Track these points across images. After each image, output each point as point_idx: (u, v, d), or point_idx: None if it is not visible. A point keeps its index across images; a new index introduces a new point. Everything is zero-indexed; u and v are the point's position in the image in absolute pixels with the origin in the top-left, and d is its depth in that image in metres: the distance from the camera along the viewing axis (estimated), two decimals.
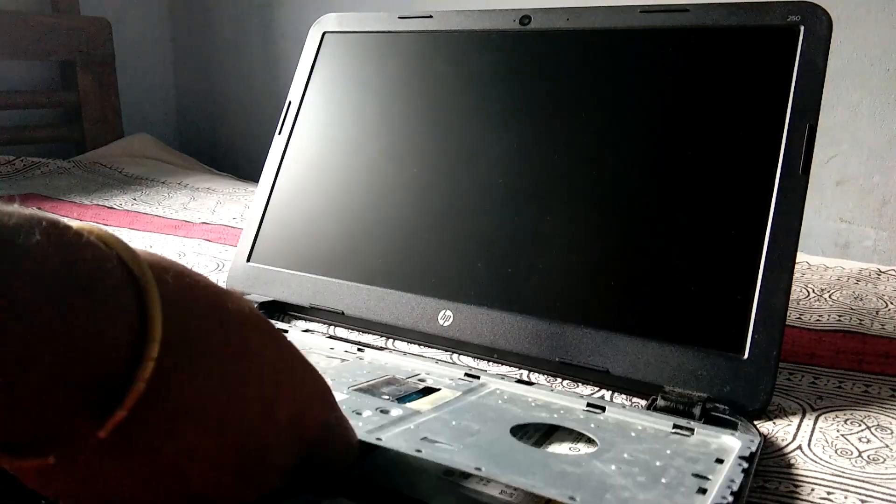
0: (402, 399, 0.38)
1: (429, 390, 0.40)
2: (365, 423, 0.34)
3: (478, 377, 0.44)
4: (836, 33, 0.45)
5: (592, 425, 0.37)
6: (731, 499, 0.29)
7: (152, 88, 1.63)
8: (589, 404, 0.40)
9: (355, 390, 0.39)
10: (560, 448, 0.34)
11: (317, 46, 0.64)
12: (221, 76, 1.58)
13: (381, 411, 0.35)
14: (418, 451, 0.30)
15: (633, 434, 0.36)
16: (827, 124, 0.90)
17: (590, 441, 0.35)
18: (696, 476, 0.31)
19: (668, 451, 0.34)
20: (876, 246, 0.92)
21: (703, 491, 0.30)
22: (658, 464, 0.32)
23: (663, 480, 0.30)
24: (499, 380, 0.43)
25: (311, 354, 0.47)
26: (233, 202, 1.07)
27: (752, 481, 0.33)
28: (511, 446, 0.33)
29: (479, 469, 0.29)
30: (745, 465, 0.32)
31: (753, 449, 0.35)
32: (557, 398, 0.41)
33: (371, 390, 0.39)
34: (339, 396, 0.37)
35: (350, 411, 0.35)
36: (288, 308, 0.57)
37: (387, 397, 0.38)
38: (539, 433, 0.36)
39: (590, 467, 0.31)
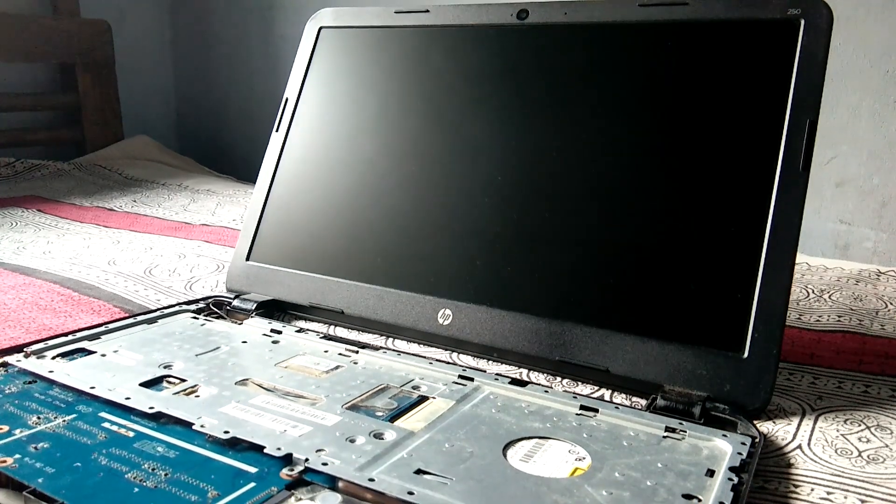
0: (396, 415, 0.38)
1: (423, 400, 0.41)
2: (358, 453, 0.34)
3: (472, 379, 0.44)
4: (836, 34, 0.45)
5: (585, 435, 0.37)
6: None
7: (152, 90, 1.63)
8: (582, 406, 0.40)
9: (348, 408, 0.39)
10: (554, 457, 0.35)
11: (313, 42, 0.64)
12: (221, 78, 1.58)
13: (375, 436, 0.36)
14: (410, 492, 0.30)
15: (624, 444, 0.36)
16: (826, 125, 0.90)
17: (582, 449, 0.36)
18: (687, 497, 0.31)
19: (660, 465, 0.34)
20: (875, 247, 0.92)
21: None
22: (649, 483, 0.32)
23: None
24: (493, 381, 0.43)
25: (306, 357, 0.47)
26: (233, 204, 1.07)
27: (751, 482, 0.33)
28: (504, 473, 0.33)
29: None
30: (736, 479, 0.33)
31: (745, 455, 0.35)
32: (551, 401, 0.41)
33: (364, 407, 0.39)
34: (333, 418, 0.37)
35: (344, 439, 0.35)
36: (288, 307, 0.57)
37: (380, 414, 0.39)
38: (532, 442, 0.36)
39: (581, 495, 0.31)
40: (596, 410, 0.40)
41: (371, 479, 0.31)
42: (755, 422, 0.40)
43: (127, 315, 0.55)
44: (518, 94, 0.53)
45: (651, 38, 0.50)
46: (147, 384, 0.41)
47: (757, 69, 0.46)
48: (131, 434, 0.35)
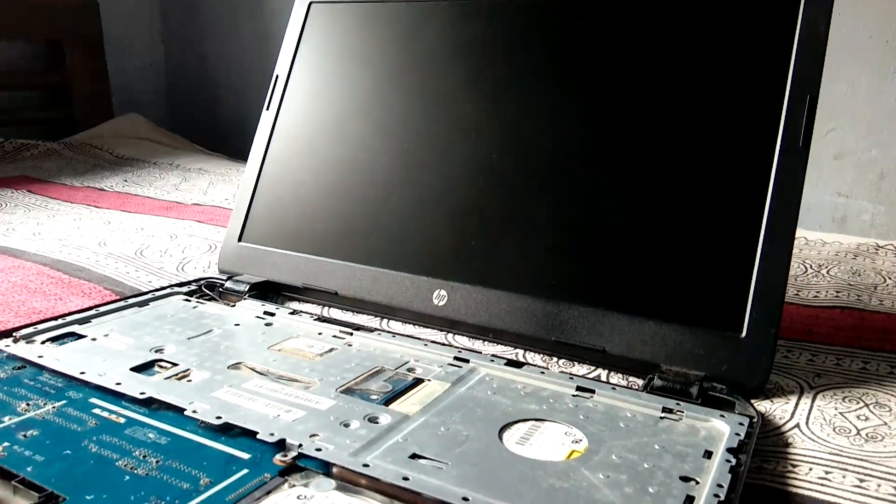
0: (391, 398, 0.38)
1: (418, 382, 0.40)
2: (353, 438, 0.33)
3: (467, 361, 0.43)
4: (835, 6, 0.44)
5: (581, 416, 0.37)
6: None
7: (142, 68, 1.60)
8: (579, 387, 0.40)
9: (342, 392, 0.39)
10: (550, 440, 0.34)
11: (303, 18, 0.63)
12: (212, 55, 1.56)
13: (370, 420, 0.35)
14: (405, 478, 0.30)
15: (621, 425, 0.36)
16: (825, 98, 0.88)
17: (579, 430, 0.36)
18: (684, 479, 0.31)
19: (657, 447, 0.34)
20: (873, 220, 0.91)
21: (690, 499, 0.30)
22: (646, 466, 0.32)
23: (651, 490, 0.30)
24: (488, 363, 0.43)
25: (300, 339, 0.46)
26: (225, 183, 1.06)
27: (749, 462, 0.33)
28: (500, 456, 0.33)
29: (466, 500, 0.29)
30: (734, 460, 0.32)
31: (742, 435, 0.35)
32: (547, 382, 0.41)
33: (359, 391, 0.39)
34: (327, 402, 0.37)
35: (338, 423, 0.35)
36: (281, 288, 0.57)
37: (375, 397, 0.38)
38: (528, 425, 0.36)
39: (578, 478, 0.31)
40: (592, 391, 0.39)
41: (365, 465, 0.31)
42: (753, 401, 0.40)
43: (118, 298, 0.55)
44: (513, 69, 0.52)
45: (650, 11, 0.49)
46: (138, 369, 0.40)
47: (757, 43, 0.45)
48: (122, 420, 0.35)
